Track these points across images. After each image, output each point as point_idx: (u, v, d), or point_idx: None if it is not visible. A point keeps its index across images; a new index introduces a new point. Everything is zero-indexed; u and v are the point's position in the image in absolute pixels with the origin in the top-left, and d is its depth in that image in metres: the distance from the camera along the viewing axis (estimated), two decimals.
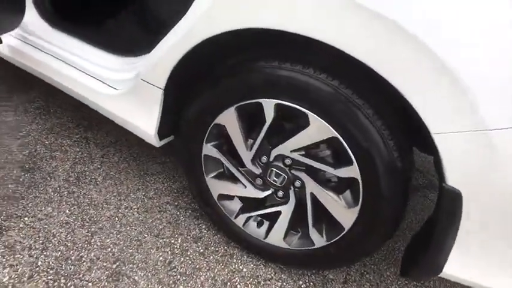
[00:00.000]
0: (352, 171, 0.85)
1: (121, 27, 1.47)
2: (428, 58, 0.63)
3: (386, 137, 0.79)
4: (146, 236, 1.19)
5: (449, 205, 0.75)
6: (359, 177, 0.85)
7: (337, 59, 0.74)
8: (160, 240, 1.18)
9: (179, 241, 1.19)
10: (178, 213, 1.29)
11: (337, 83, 0.78)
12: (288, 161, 0.96)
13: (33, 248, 1.10)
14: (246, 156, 1.01)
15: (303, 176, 0.96)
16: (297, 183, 0.99)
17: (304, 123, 0.86)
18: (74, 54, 1.32)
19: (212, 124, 1.00)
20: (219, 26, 0.83)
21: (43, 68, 1.36)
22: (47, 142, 1.48)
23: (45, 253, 1.09)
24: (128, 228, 1.20)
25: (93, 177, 1.36)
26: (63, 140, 1.50)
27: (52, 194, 1.27)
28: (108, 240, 1.15)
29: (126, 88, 1.16)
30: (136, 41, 1.31)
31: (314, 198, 0.96)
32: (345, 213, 0.92)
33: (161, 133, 1.16)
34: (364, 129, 0.78)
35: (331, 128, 0.82)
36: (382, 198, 0.85)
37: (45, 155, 1.42)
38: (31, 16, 1.37)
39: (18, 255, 1.07)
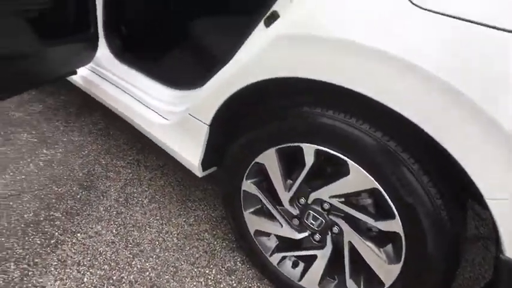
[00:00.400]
0: (394, 225, 0.81)
1: (176, 61, 1.58)
2: (486, 125, 0.59)
3: (434, 194, 0.73)
4: (183, 263, 1.22)
5: (508, 277, 0.67)
6: (401, 232, 0.80)
7: (383, 112, 0.71)
8: (196, 270, 1.20)
9: (213, 272, 1.20)
10: (215, 242, 1.31)
11: (380, 135, 0.75)
12: (326, 206, 0.94)
13: (82, 264, 1.18)
14: (284, 196, 1.01)
15: (341, 222, 0.93)
16: (335, 229, 0.96)
17: (344, 170, 0.83)
18: (134, 85, 1.44)
19: (253, 162, 1.02)
20: (267, 72, 0.85)
21: (106, 96, 1.50)
22: (103, 162, 1.60)
23: (91, 270, 1.16)
24: (166, 254, 1.24)
25: (140, 199, 1.44)
26: (117, 161, 1.62)
27: (103, 212, 1.36)
28: (147, 264, 1.20)
29: (176, 120, 1.23)
30: (189, 76, 1.39)
31: (352, 248, 0.92)
32: (385, 268, 0.87)
33: (204, 164, 1.20)
34: (408, 184, 0.74)
35: (372, 179, 0.78)
36: (428, 256, 0.79)
37: (101, 174, 1.54)
38: (101, 50, 1.53)
39: (68, 270, 1.15)
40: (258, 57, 0.87)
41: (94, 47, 1.37)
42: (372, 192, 0.85)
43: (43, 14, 0.99)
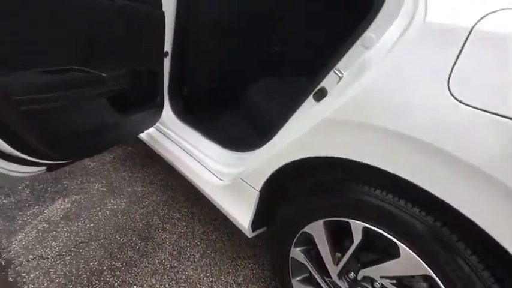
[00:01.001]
0: None
1: (232, 124, 1.69)
2: None
3: None
4: None
5: None
6: None
7: (433, 198, 0.70)
8: None
9: None
10: None
11: (431, 220, 0.73)
12: (377, 285, 0.90)
13: None
14: (333, 269, 0.99)
15: None
16: None
17: (395, 251, 0.81)
18: (192, 144, 1.56)
19: (301, 231, 1.03)
20: (314, 151, 0.89)
21: (166, 152, 1.65)
22: (161, 213, 1.72)
23: None
24: None
25: (192, 253, 1.50)
26: (173, 213, 1.72)
27: (158, 265, 1.44)
28: None
29: (229, 181, 1.30)
30: (243, 139, 1.48)
31: None
32: None
33: (254, 226, 1.24)
34: (465, 277, 0.69)
35: (425, 265, 0.75)
36: None
37: (158, 226, 1.64)
38: (165, 111, 1.71)
39: None
40: (307, 135, 0.91)
41: (160, 111, 1.54)
42: (427, 277, 0.81)
43: (121, 92, 1.16)
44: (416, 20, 0.70)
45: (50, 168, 1.24)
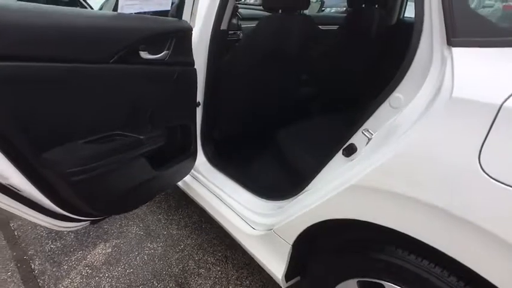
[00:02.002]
0: None
1: (264, 170, 1.72)
2: None
3: None
4: None
5: None
6: None
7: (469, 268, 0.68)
8: None
9: None
10: None
11: None
12: None
13: None
14: None
15: None
16: None
17: None
18: (223, 190, 1.61)
19: None
20: (345, 213, 0.90)
21: (199, 197, 1.71)
22: (196, 258, 1.76)
23: None
24: None
25: None
26: (208, 257, 1.76)
27: None
28: None
29: (261, 231, 1.32)
30: (275, 187, 1.51)
31: None
32: None
33: (288, 276, 1.24)
34: None
35: None
36: None
37: (193, 271, 1.68)
38: (198, 156, 1.78)
39: None
40: (337, 197, 0.93)
41: (194, 160, 1.61)
42: None
43: (158, 149, 1.24)
44: (443, 92, 0.71)
45: (93, 222, 1.33)
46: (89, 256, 1.76)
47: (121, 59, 1.01)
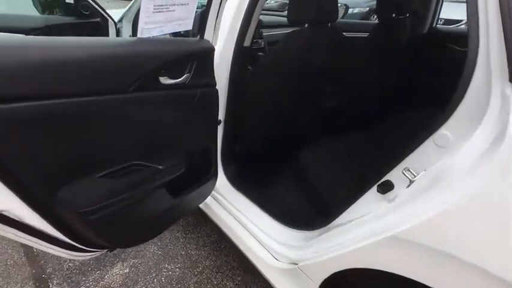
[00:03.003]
0: None
1: (289, 194, 1.62)
2: None
3: None
4: None
5: None
6: None
7: None
8: None
9: None
10: None
11: None
12: None
13: None
14: None
15: None
16: None
17: None
18: (244, 214, 1.54)
19: None
20: (382, 265, 0.81)
21: (218, 218, 1.64)
22: (215, 282, 1.69)
23: None
24: None
25: None
26: (227, 282, 1.68)
27: None
28: None
29: (285, 264, 1.24)
30: (300, 215, 1.42)
31: None
32: None
33: None
34: None
35: None
36: None
37: None
38: (219, 176, 1.71)
39: None
40: (371, 246, 0.84)
41: (214, 181, 1.54)
42: None
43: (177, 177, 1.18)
44: (509, 139, 0.61)
45: (110, 250, 1.28)
46: (106, 276, 1.72)
47: (139, 86, 0.95)
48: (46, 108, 0.75)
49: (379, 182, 0.97)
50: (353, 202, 1.07)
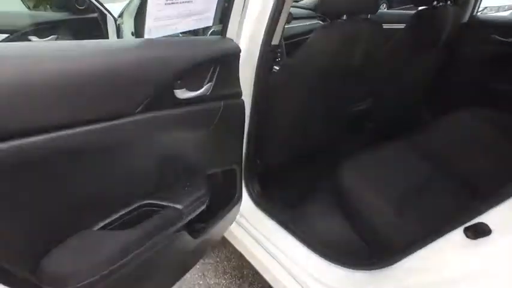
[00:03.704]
0: None
1: (325, 218, 1.37)
2: None
3: None
4: None
5: None
6: None
7: None
8: None
9: None
10: None
11: None
12: None
13: None
14: None
15: None
16: None
17: None
18: (271, 240, 1.30)
19: None
20: None
21: (241, 246, 1.41)
22: None
23: None
24: None
25: None
26: None
27: None
28: None
29: None
30: (344, 247, 1.18)
31: None
32: None
33: None
34: None
35: None
36: None
37: None
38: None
39: None
40: None
41: (239, 205, 1.31)
42: None
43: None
44: None
45: None
46: None
47: (150, 105, 0.71)
48: (17, 150, 0.51)
49: (468, 225, 0.74)
50: (425, 243, 0.84)
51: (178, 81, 0.77)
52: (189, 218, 0.87)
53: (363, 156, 1.40)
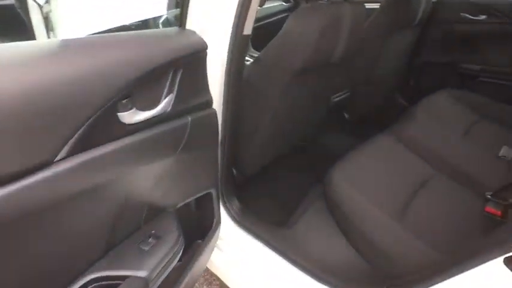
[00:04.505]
0: None
1: (321, 238, 1.17)
2: None
3: None
4: None
5: None
6: None
7: None
8: None
9: None
10: None
11: None
12: None
13: None
14: None
15: None
16: None
17: None
18: (259, 263, 1.11)
19: None
20: None
21: (221, 273, 1.21)
22: None
23: None
24: None
25: None
26: None
27: None
28: None
29: None
30: (349, 268, 1.01)
31: None
32: None
33: None
34: None
35: None
36: None
37: None
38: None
39: None
40: None
41: (219, 230, 1.09)
42: None
43: None
44: None
45: None
46: None
47: (80, 144, 0.47)
48: None
49: (508, 255, 0.60)
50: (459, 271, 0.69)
51: (124, 101, 0.53)
52: (159, 282, 0.64)
53: (349, 161, 1.22)
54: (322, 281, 0.98)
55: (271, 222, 1.21)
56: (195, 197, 0.87)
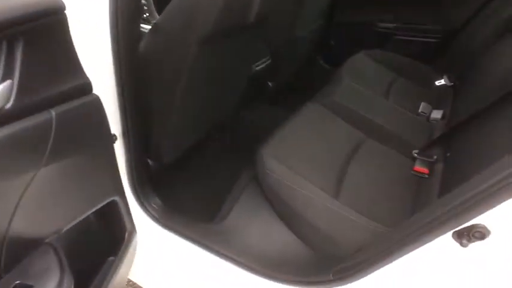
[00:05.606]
0: None
1: (250, 226, 1.04)
2: None
3: None
4: None
5: None
6: None
7: None
8: None
9: None
10: None
11: None
12: None
13: None
14: None
15: None
16: None
17: None
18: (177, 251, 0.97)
19: None
20: None
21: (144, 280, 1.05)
22: None
23: None
24: None
25: None
26: None
27: None
28: None
29: None
30: (294, 258, 0.91)
31: None
32: None
33: None
34: None
35: None
36: None
37: None
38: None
39: None
40: None
41: (136, 239, 0.90)
42: None
43: None
44: None
45: None
46: None
47: None
48: None
49: (460, 228, 0.55)
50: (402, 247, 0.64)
51: None
52: None
53: (278, 138, 1.10)
54: (264, 275, 0.87)
55: (199, 218, 1.05)
56: (89, 212, 0.67)
